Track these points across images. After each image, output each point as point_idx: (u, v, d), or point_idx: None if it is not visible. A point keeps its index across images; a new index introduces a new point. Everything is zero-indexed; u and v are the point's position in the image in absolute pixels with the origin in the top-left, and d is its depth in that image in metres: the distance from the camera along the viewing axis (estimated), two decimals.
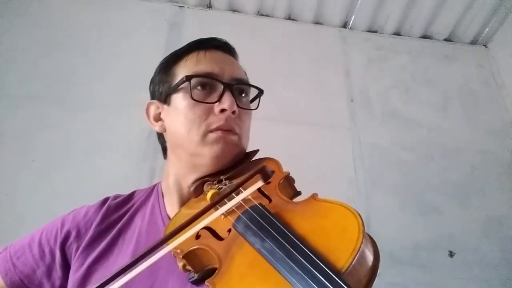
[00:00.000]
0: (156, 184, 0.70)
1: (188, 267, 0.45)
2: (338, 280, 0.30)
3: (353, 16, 1.66)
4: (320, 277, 0.31)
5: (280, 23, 1.63)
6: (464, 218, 1.36)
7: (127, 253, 0.57)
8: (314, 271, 0.31)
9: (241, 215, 0.44)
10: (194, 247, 0.43)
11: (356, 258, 0.31)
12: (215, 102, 0.58)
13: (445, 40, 1.76)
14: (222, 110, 0.58)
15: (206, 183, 0.59)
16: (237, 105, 0.59)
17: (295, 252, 0.34)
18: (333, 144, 1.41)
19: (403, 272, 1.20)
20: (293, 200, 0.49)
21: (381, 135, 1.48)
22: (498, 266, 1.29)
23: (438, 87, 1.63)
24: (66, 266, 0.59)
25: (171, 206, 0.63)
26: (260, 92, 0.67)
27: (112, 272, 0.37)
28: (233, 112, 0.58)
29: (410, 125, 1.52)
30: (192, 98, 0.58)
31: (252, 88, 0.66)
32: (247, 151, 0.64)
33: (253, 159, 0.62)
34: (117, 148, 1.21)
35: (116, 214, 0.64)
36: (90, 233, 0.60)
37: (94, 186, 1.13)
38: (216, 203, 0.44)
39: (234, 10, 1.61)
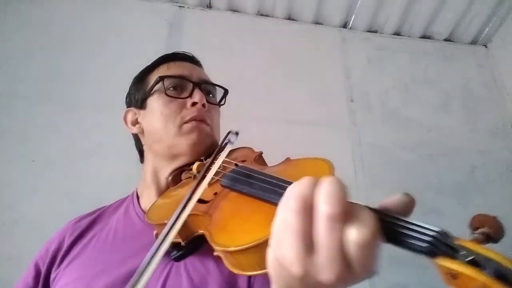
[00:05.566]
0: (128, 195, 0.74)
1: (175, 240, 0.46)
2: None
3: (353, 16, 1.66)
4: None
5: (280, 23, 1.63)
6: (464, 218, 1.35)
7: (104, 247, 0.59)
8: None
9: (227, 172, 0.48)
10: None
11: None
12: (187, 97, 0.66)
13: (445, 40, 1.76)
14: (194, 104, 0.65)
15: (184, 172, 0.63)
16: (206, 101, 0.67)
17: (281, 183, 0.38)
18: (333, 144, 1.41)
19: (403, 272, 1.20)
20: None
21: (381, 135, 1.47)
22: None
23: (438, 87, 1.63)
24: None
25: (149, 201, 0.65)
26: (226, 91, 0.75)
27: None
28: (203, 106, 0.65)
29: (410, 125, 1.52)
30: (166, 94, 0.65)
31: (218, 90, 0.75)
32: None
33: None
34: (117, 148, 1.21)
35: (88, 220, 0.67)
36: (64, 247, 0.62)
37: (94, 186, 1.14)
38: (203, 174, 0.48)
39: (234, 10, 1.61)
